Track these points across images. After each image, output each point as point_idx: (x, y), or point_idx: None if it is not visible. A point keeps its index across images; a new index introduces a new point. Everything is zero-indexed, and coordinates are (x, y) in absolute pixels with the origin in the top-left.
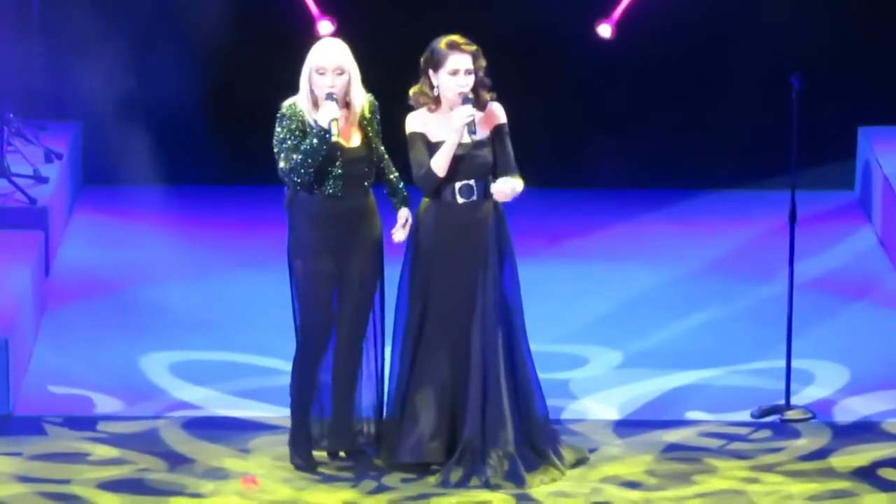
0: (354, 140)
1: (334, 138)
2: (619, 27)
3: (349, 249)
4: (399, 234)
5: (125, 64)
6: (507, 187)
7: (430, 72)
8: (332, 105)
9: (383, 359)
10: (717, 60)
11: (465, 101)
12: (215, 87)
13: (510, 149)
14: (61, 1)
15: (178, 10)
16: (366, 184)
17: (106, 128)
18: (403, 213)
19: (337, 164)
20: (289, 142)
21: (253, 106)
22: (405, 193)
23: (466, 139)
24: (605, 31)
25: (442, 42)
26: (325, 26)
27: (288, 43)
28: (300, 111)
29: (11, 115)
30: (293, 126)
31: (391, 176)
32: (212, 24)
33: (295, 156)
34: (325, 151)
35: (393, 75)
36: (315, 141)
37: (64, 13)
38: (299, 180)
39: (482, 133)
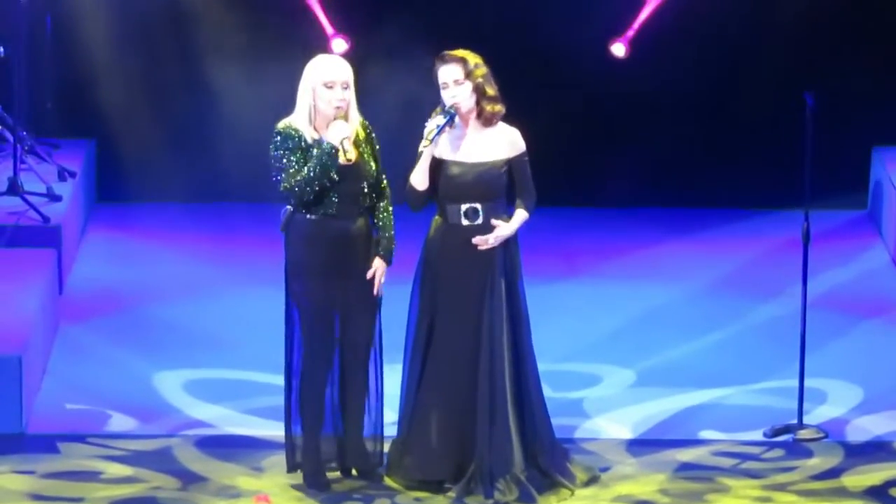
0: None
1: (349, 155)
2: (633, 46)
3: (347, 269)
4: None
5: (138, 82)
6: (491, 237)
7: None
8: (343, 123)
9: (383, 378)
10: (730, 79)
11: (446, 114)
12: (229, 104)
13: (529, 175)
14: (74, 19)
15: (191, 27)
16: (361, 203)
17: (119, 146)
18: (376, 265)
19: (334, 182)
20: (289, 162)
21: (266, 123)
22: (387, 243)
23: (445, 151)
24: (618, 49)
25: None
26: (338, 44)
27: (303, 61)
28: (298, 130)
29: (25, 133)
30: (293, 146)
31: (381, 213)
32: (225, 41)
33: (300, 175)
34: (335, 169)
35: (405, 95)
36: (326, 159)
37: (77, 32)
38: (304, 199)
39: (495, 155)
